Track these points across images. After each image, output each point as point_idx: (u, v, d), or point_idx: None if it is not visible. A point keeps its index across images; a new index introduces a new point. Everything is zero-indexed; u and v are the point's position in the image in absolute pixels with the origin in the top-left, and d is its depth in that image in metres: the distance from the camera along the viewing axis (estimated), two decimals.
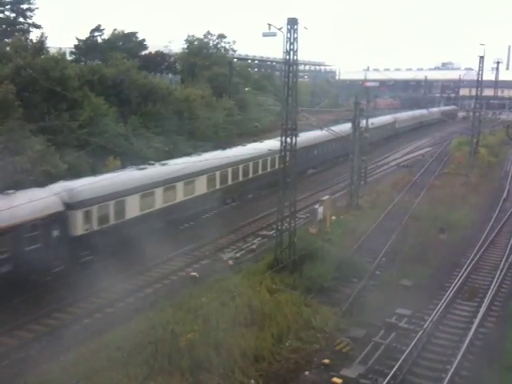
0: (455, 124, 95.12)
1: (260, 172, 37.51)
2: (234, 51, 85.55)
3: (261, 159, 37.10)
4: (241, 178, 35.18)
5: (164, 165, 29.40)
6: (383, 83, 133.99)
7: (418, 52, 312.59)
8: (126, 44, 62.60)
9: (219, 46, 79.25)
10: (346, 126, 49.75)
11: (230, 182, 33.86)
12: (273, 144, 38.27)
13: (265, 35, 22.55)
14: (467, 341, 17.06)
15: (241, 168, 35.03)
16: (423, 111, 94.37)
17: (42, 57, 37.99)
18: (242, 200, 36.40)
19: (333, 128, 46.29)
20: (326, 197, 33.05)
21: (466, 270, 23.60)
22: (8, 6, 54.37)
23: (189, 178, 29.63)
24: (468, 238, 28.94)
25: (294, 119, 23.07)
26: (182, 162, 29.03)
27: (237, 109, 62.21)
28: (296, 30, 21.96)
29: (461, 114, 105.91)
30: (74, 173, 30.66)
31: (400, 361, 15.75)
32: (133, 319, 18.52)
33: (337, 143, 49.63)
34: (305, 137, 42.13)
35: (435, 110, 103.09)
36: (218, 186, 32.66)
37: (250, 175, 36.31)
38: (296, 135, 40.68)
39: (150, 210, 26.90)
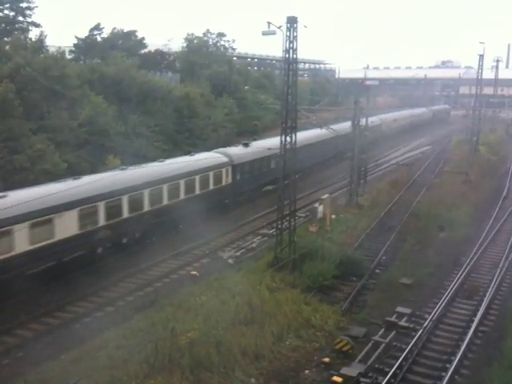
0: (450, 124, 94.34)
1: (182, 196, 28.43)
2: (234, 50, 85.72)
3: (183, 179, 28.24)
4: (146, 208, 25.90)
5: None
6: (383, 82, 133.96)
7: (418, 51, 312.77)
8: (126, 43, 62.71)
9: (219, 44, 79.44)
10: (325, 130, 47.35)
11: (125, 214, 24.61)
12: (207, 157, 31.77)
13: (264, 34, 22.50)
14: (467, 339, 17.08)
15: (146, 194, 25.80)
16: (415, 111, 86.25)
17: (42, 55, 38.06)
18: (151, 237, 26.88)
19: (311, 132, 41.63)
20: (326, 195, 33.03)
21: (465, 268, 23.60)
22: (7, 5, 54.34)
23: (40, 215, 20.39)
24: (468, 237, 28.92)
25: (293, 118, 23.04)
26: (30, 193, 20.72)
27: (236, 107, 62.23)
28: (296, 28, 21.94)
29: (460, 113, 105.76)
30: (74, 171, 30.65)
31: (400, 359, 15.77)
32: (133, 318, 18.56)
33: (311, 149, 42.50)
34: (260, 145, 36.29)
35: (427, 109, 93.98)
36: (101, 223, 23.44)
37: (165, 202, 27.14)
38: (246, 145, 36.03)
39: None
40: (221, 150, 34.69)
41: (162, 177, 26.79)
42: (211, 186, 30.90)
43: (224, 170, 32.18)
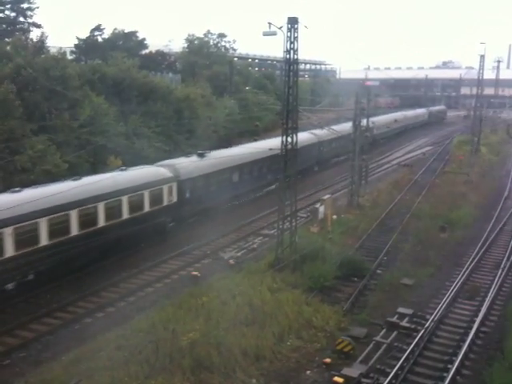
0: (448, 125, 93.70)
1: (102, 223, 23.18)
2: (235, 50, 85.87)
3: (102, 202, 23.10)
4: (43, 242, 20.58)
5: None
6: (384, 82, 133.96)
7: (419, 51, 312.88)
8: (127, 43, 62.82)
9: (219, 45, 79.52)
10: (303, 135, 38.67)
11: (9, 252, 19.28)
12: (141, 173, 26.54)
13: (265, 34, 22.47)
14: (468, 340, 17.04)
15: (43, 224, 20.48)
16: (409, 112, 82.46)
17: (43, 56, 38.09)
18: (52, 279, 21.44)
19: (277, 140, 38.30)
20: (327, 196, 32.98)
21: (467, 268, 23.57)
22: (8, 6, 54.48)
23: None
24: (469, 237, 28.91)
25: (294, 118, 23.01)
26: None
27: (237, 108, 62.25)
28: (296, 29, 21.92)
29: (461, 113, 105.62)
30: (75, 172, 30.64)
31: (401, 360, 15.73)
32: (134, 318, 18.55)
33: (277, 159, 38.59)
34: (220, 155, 32.55)
35: (423, 110, 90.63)
36: None
37: (73, 232, 21.83)
38: (202, 156, 30.83)
39: None
40: (166, 162, 29.76)
41: (70, 201, 21.55)
42: (147, 208, 25.82)
43: (166, 188, 27.14)
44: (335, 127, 44.25)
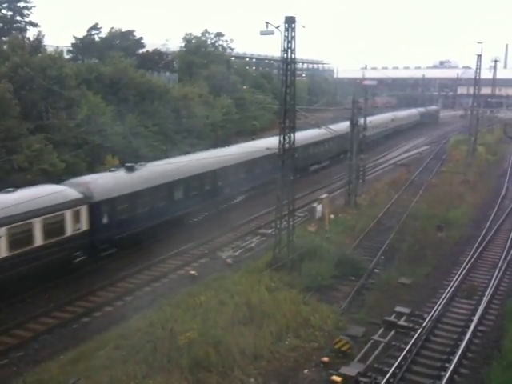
0: (443, 125, 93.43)
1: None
2: (232, 49, 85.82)
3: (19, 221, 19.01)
4: None
5: None
6: (381, 82, 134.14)
7: (419, 51, 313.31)
8: (124, 42, 62.70)
9: (217, 44, 79.48)
10: (269, 142, 33.02)
11: None
12: (31, 195, 20.48)
13: (262, 34, 22.50)
14: (466, 339, 17.07)
15: None
16: (400, 113, 78.64)
17: (40, 55, 38.05)
18: None
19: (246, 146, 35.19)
20: (325, 195, 33.00)
21: (464, 268, 23.60)
22: (5, 5, 54.32)
23: None
24: (466, 236, 28.95)
25: (292, 118, 23.00)
26: None
27: (234, 107, 62.24)
28: (294, 28, 21.93)
29: (458, 113, 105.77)
30: (72, 172, 30.60)
31: (399, 359, 15.74)
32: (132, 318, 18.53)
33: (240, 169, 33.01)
34: (157, 167, 27.51)
35: (414, 111, 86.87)
36: None
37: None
38: (131, 170, 24.82)
39: None
40: (76, 180, 24.48)
41: None
42: (38, 242, 20.50)
43: (69, 213, 21.78)
44: (313, 130, 40.69)
